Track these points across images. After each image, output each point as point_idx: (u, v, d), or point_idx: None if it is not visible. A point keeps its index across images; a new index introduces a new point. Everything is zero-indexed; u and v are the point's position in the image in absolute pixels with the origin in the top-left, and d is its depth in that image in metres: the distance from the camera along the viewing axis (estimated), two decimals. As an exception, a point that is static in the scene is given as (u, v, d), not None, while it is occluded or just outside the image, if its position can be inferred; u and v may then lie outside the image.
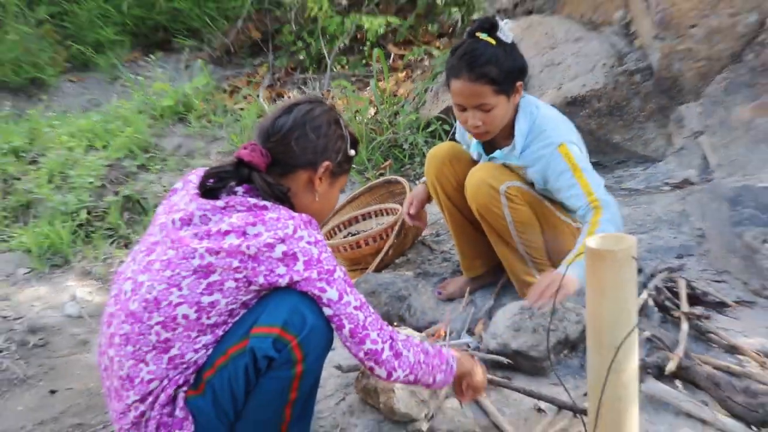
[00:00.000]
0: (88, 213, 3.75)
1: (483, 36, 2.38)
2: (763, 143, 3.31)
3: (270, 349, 1.68)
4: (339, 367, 2.35)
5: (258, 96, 4.75)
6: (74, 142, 4.22)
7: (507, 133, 2.50)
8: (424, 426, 2.08)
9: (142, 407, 1.73)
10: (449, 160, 2.68)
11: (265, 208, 1.73)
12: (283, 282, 1.69)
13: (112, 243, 3.67)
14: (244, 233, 1.68)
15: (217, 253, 1.67)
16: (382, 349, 1.76)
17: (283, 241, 1.67)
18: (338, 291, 1.72)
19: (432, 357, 1.86)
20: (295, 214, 1.74)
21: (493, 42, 2.38)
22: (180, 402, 1.73)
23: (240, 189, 1.78)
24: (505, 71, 2.36)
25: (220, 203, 1.73)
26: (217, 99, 4.77)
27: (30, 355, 2.86)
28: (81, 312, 3.18)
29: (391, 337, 1.79)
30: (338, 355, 2.45)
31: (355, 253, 3.17)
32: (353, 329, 1.74)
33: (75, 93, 5.30)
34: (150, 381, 1.72)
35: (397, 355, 1.78)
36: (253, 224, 1.68)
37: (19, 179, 3.96)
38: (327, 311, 1.73)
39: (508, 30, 2.40)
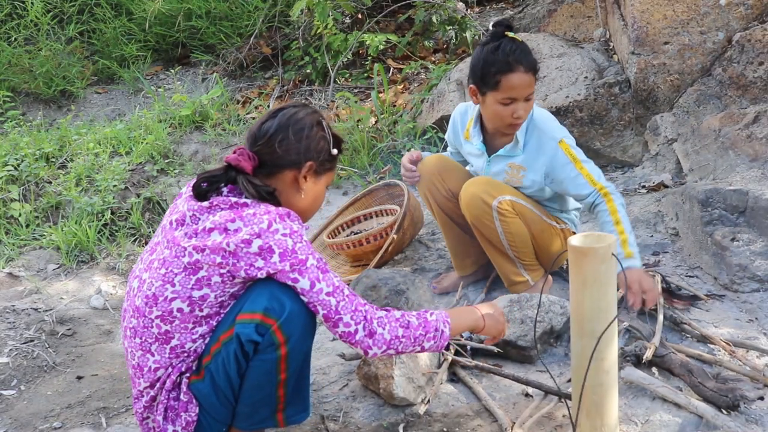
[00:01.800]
0: (113, 213, 3.74)
1: (511, 35, 2.38)
2: (730, 150, 3.30)
3: (253, 333, 1.66)
4: (342, 356, 2.33)
5: (268, 106, 4.73)
6: (100, 149, 4.21)
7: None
8: (421, 409, 2.07)
9: (151, 392, 1.74)
10: (438, 172, 2.66)
11: (245, 205, 1.71)
12: (262, 274, 1.67)
13: (134, 241, 3.66)
14: (226, 229, 1.66)
15: (203, 250, 1.66)
16: (355, 331, 1.72)
17: (258, 236, 1.65)
18: (310, 280, 1.69)
19: (415, 329, 1.77)
20: (272, 209, 1.70)
21: (520, 40, 2.39)
22: (183, 387, 1.73)
23: (225, 189, 1.77)
24: (538, 65, 2.41)
25: (206, 203, 1.72)
26: (231, 109, 4.75)
27: (59, 344, 2.85)
28: (105, 304, 3.16)
29: (365, 318, 1.73)
30: (341, 344, 2.44)
31: (357, 250, 3.16)
32: (326, 314, 1.71)
33: (101, 104, 5.29)
34: (156, 369, 1.73)
35: (371, 334, 1.72)
36: (233, 220, 1.67)
37: (49, 183, 3.95)
38: (303, 299, 1.70)
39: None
